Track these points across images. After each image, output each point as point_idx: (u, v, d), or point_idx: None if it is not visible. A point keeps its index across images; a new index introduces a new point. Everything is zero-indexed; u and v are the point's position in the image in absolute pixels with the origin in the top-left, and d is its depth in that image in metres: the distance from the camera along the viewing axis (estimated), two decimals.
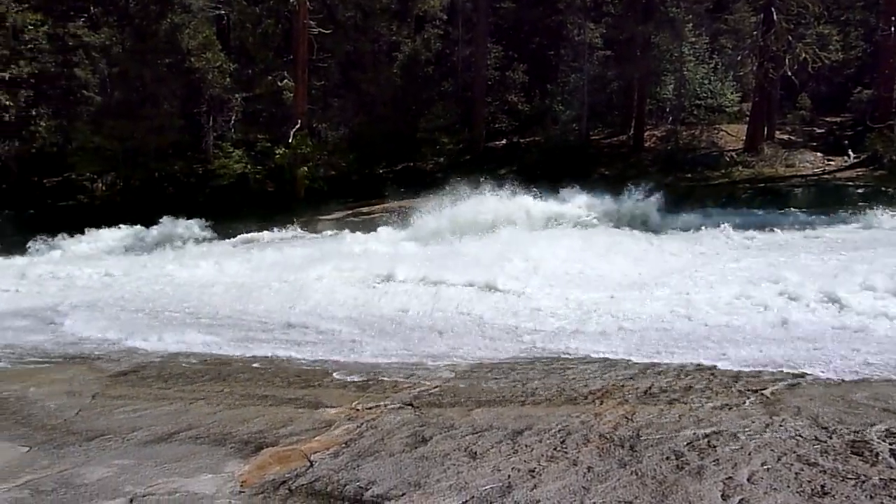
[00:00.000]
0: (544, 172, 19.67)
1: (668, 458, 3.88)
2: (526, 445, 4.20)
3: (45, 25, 25.77)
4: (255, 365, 6.66)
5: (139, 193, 24.09)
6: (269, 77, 23.95)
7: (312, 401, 5.39)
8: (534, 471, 3.84)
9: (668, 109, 25.53)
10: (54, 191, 27.11)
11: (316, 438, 4.54)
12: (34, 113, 26.14)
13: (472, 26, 26.50)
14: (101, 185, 26.67)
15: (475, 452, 4.13)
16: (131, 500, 3.72)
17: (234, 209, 21.10)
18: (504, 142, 26.37)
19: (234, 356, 7.02)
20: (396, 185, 22.27)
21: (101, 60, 26.89)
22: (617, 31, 25.12)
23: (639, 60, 24.19)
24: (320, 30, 23.01)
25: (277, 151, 22.54)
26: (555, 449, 4.12)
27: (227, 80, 24.84)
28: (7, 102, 24.96)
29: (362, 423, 4.77)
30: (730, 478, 3.60)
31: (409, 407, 5.12)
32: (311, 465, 4.09)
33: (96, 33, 26.78)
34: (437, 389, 5.58)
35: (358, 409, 5.09)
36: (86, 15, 27.51)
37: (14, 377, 6.54)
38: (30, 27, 25.32)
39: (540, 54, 27.95)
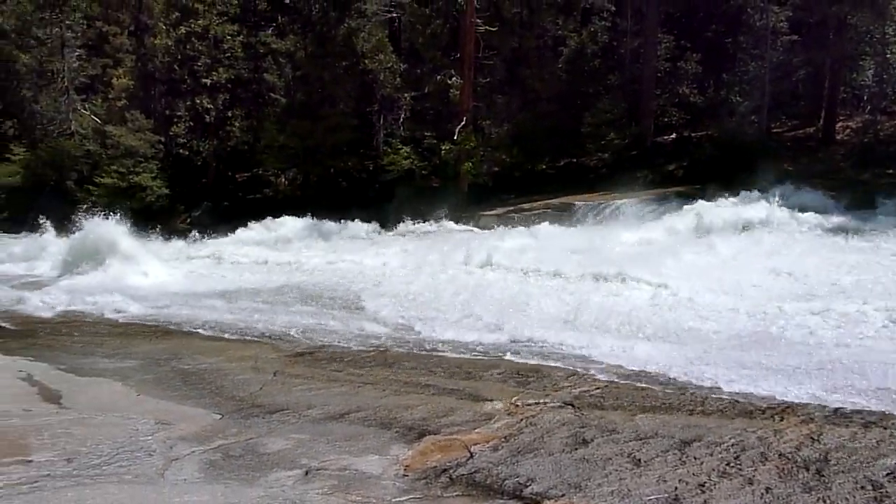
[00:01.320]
0: (718, 168, 18.46)
1: (862, 488, 3.48)
2: (695, 457, 3.96)
3: (240, 35, 28.54)
4: (418, 354, 6.89)
5: (316, 188, 25.89)
6: (437, 76, 24.64)
7: (473, 393, 5.47)
8: (704, 485, 3.61)
9: (865, 98, 22.89)
10: (244, 185, 29.91)
11: (476, 430, 4.59)
12: (230, 115, 29.06)
13: (641, 17, 25.48)
14: (284, 180, 29.03)
15: (639, 459, 3.97)
16: (307, 473, 3.99)
17: (402, 203, 21.98)
18: (673, 136, 25.09)
19: (395, 343, 7.30)
20: (559, 180, 22.01)
21: (286, 65, 29.28)
22: (805, 13, 22.92)
23: (832, 44, 21.92)
24: (487, 27, 23.28)
25: (443, 147, 23.17)
26: (727, 464, 3.84)
27: (398, 79, 25.97)
28: (208, 105, 27.97)
29: (522, 419, 4.75)
30: None
31: (570, 407, 5.03)
32: (472, 457, 4.14)
33: (283, 40, 29.18)
34: (598, 391, 5.43)
35: (517, 405, 5.08)
36: (274, 24, 30.06)
37: (209, 351, 7.29)
38: (228, 37, 28.14)
39: (716, 42, 26.21)
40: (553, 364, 6.29)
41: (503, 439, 4.40)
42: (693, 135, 24.46)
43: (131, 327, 8.82)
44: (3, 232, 27.10)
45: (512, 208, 19.89)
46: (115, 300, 10.18)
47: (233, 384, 5.98)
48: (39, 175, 28.40)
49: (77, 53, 30.37)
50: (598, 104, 23.83)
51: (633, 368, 6.06)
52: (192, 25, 27.30)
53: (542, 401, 5.18)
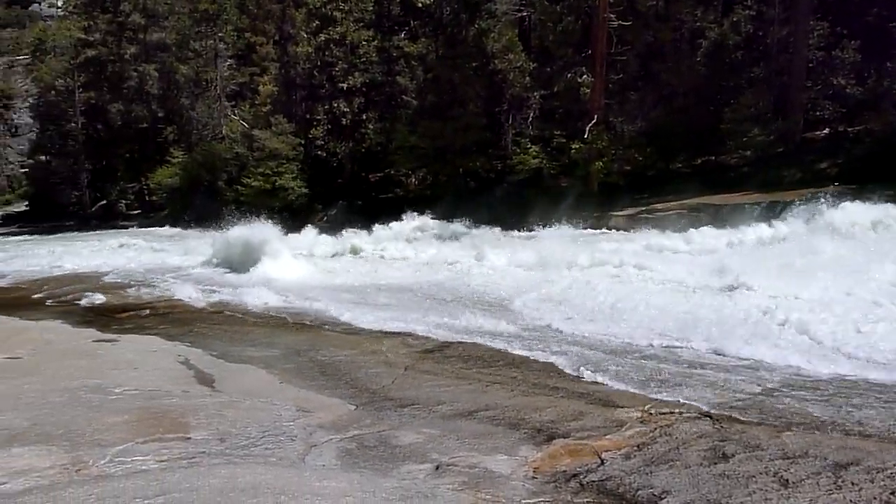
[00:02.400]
0: (880, 166, 16.81)
1: None
2: (852, 483, 3.62)
3: (374, 40, 29.66)
4: (545, 355, 6.81)
5: (446, 187, 26.35)
6: (567, 74, 24.27)
7: (602, 398, 5.34)
8: None
9: None
10: (377, 185, 31.05)
11: (607, 437, 4.48)
12: (364, 117, 30.28)
13: (791, 3, 23.69)
14: (414, 179, 29.83)
15: (787, 480, 3.69)
16: (437, 467, 4.06)
17: (529, 203, 21.88)
18: (826, 131, 23.12)
19: (522, 345, 7.24)
20: (696, 180, 20.98)
21: (418, 68, 30.07)
22: None
23: None
24: (620, 22, 22.63)
25: (573, 147, 22.79)
26: (892, 493, 3.49)
27: (527, 79, 25.87)
28: (345, 109, 29.30)
29: (655, 428, 4.58)
30: None
31: (707, 418, 4.78)
32: (602, 463, 4.05)
33: (415, 44, 29.98)
34: (739, 403, 5.12)
35: (651, 413, 4.90)
36: (406, 28, 30.93)
37: (344, 344, 7.63)
38: (363, 43, 29.34)
39: (877, 27, 23.83)
40: (690, 372, 6.00)
41: (636, 448, 4.26)
42: (849, 130, 22.43)
43: (274, 319, 9.41)
44: (164, 227, 29.90)
45: (644, 209, 19.21)
46: (261, 293, 10.91)
47: (366, 377, 6.21)
48: (195, 176, 31.10)
49: (228, 63, 32.93)
50: (741, 98, 22.43)
51: (783, 379, 5.65)
52: (331, 33, 28.74)
53: (677, 410, 4.96)
